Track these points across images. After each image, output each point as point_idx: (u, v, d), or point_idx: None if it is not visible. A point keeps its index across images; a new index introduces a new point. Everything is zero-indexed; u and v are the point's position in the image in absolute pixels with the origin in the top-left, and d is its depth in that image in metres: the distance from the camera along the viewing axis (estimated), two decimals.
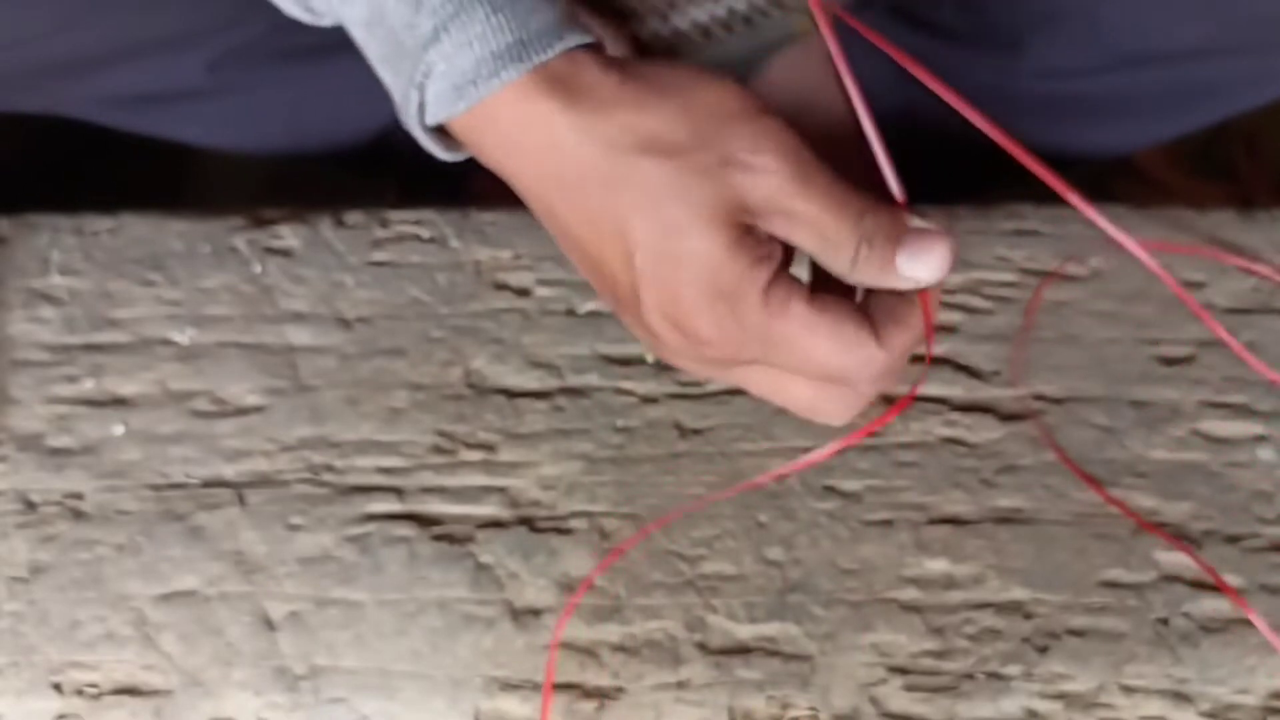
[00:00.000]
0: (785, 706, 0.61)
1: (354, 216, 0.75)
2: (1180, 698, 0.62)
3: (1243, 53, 0.75)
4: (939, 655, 0.63)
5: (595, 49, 0.51)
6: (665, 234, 0.48)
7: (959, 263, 0.73)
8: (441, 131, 0.52)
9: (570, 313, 0.72)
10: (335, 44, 0.56)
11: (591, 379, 0.70)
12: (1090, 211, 0.56)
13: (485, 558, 0.65)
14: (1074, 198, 0.55)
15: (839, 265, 0.50)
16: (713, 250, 0.48)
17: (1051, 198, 0.76)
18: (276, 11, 0.67)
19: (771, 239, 0.49)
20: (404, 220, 0.75)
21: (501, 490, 0.67)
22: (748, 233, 0.48)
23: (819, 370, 0.50)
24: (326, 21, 0.53)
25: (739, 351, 0.50)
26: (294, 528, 0.66)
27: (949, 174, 0.90)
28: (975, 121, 0.55)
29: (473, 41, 0.49)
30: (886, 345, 0.50)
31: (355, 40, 0.52)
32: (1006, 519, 0.66)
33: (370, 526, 0.66)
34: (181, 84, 0.75)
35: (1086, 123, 0.83)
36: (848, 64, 0.52)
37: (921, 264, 0.50)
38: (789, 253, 0.50)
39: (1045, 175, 0.55)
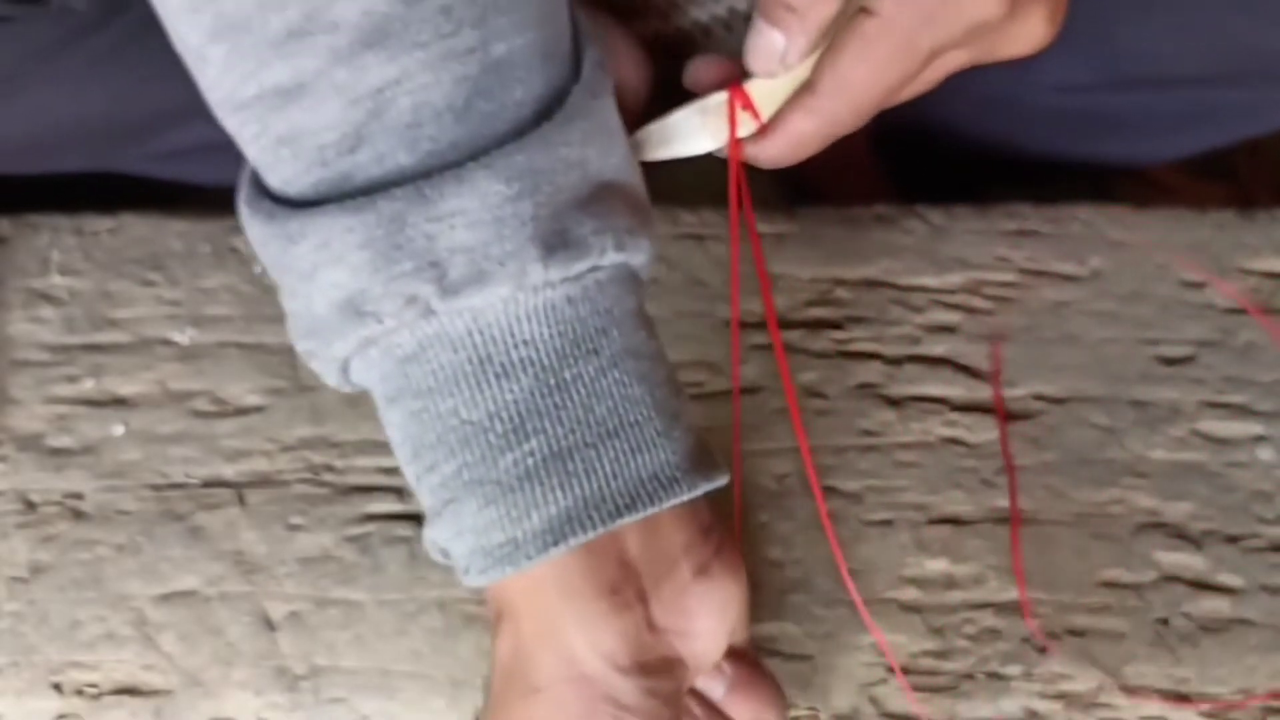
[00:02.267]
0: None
1: None
2: (1180, 698, 0.62)
3: (1252, 82, 0.76)
4: (939, 655, 0.63)
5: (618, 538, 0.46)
6: None
7: (959, 264, 0.73)
8: None
9: None
10: None
11: None
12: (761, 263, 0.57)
13: None
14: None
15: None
16: None
17: (1052, 198, 0.76)
18: None
19: None
20: None
21: None
22: None
23: None
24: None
25: None
26: (294, 528, 0.66)
27: (949, 174, 0.91)
28: None
29: (464, 533, 0.45)
30: None
31: None
32: (1006, 519, 0.66)
33: (370, 526, 0.66)
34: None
35: (1095, 136, 0.84)
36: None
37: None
38: None
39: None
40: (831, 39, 0.50)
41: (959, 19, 0.47)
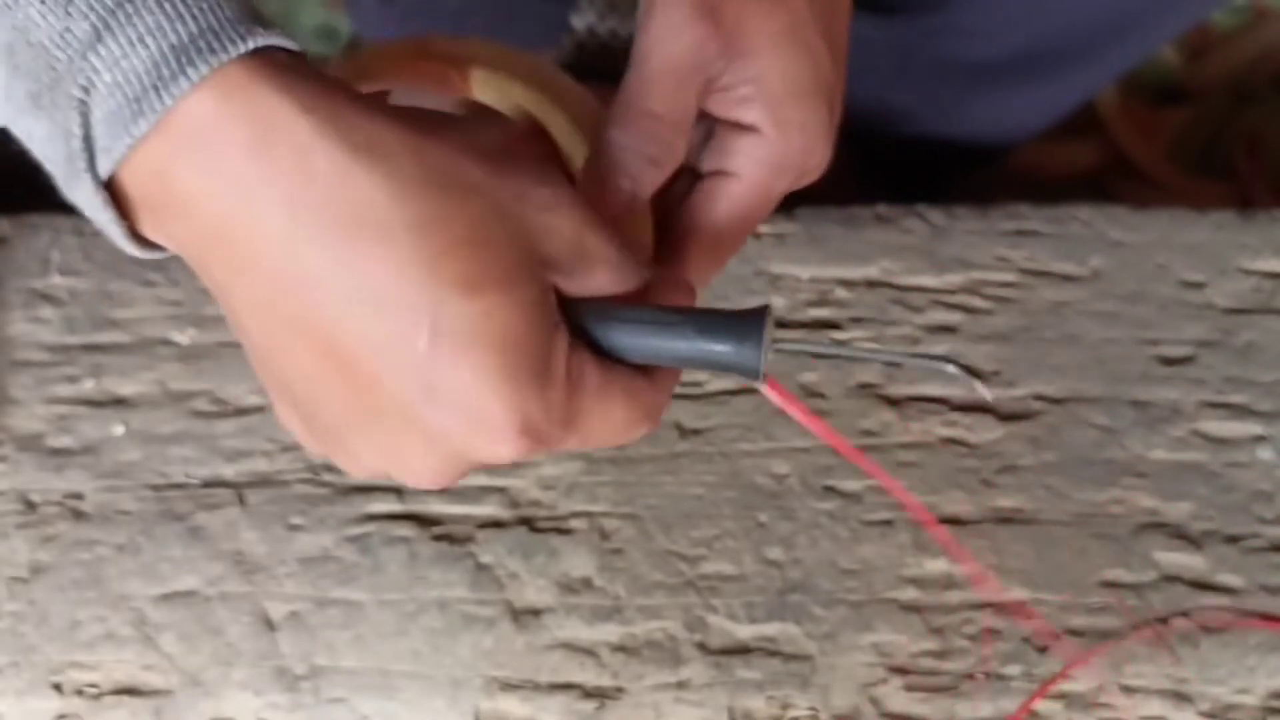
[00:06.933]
0: (785, 706, 0.61)
1: None
2: (1180, 698, 0.62)
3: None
4: (939, 655, 0.63)
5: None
6: (463, 293, 0.37)
7: (959, 264, 0.73)
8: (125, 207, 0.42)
9: None
10: None
11: None
12: None
13: (485, 558, 0.65)
14: None
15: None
16: (522, 310, 0.38)
17: (1052, 198, 0.76)
18: None
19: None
20: None
21: (501, 490, 0.67)
22: (548, 290, 0.40)
23: (612, 439, 0.42)
24: None
25: (535, 446, 0.40)
26: (294, 528, 0.66)
27: (933, 169, 0.91)
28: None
29: (145, 36, 0.37)
30: (659, 385, 0.43)
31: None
32: (1006, 519, 0.66)
33: (370, 526, 0.66)
34: None
35: (1024, 83, 0.85)
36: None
37: None
38: None
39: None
40: (690, 203, 0.50)
41: (800, 165, 0.49)
